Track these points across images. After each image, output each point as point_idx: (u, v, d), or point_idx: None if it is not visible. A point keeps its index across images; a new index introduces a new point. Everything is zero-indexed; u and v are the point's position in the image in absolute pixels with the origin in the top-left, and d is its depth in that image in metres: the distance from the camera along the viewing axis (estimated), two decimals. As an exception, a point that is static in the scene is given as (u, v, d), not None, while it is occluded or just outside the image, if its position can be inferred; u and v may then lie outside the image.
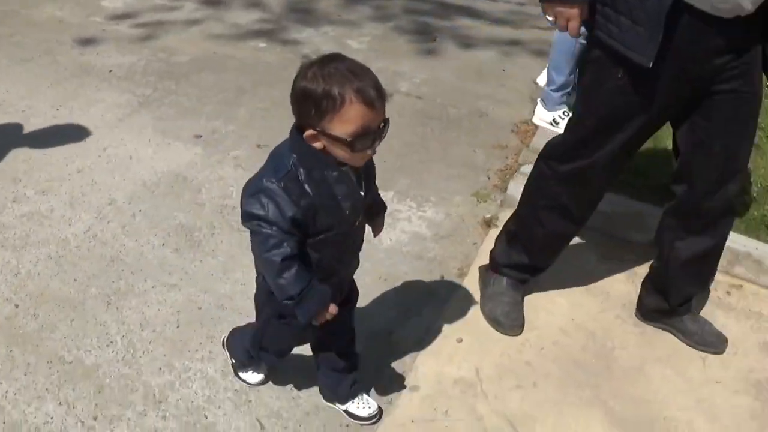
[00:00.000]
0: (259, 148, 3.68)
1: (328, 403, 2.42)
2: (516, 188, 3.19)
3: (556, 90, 3.95)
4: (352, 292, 2.28)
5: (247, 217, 1.86)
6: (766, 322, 2.91)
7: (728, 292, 3.03)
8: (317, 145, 1.82)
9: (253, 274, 2.13)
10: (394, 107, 4.07)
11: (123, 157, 3.62)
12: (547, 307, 2.86)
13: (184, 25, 5.17)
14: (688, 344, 2.76)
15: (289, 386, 2.47)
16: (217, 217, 3.24)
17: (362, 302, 2.44)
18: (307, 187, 1.84)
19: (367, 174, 2.00)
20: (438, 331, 2.72)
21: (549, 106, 4.01)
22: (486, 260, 2.91)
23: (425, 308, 2.83)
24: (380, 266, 2.99)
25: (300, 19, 5.38)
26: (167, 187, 3.41)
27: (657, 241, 2.68)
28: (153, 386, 2.44)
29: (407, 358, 2.61)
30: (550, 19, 2.31)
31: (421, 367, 2.57)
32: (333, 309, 1.94)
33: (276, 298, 1.95)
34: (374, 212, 2.18)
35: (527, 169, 2.86)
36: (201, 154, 3.68)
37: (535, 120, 4.08)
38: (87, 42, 4.82)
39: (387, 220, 2.28)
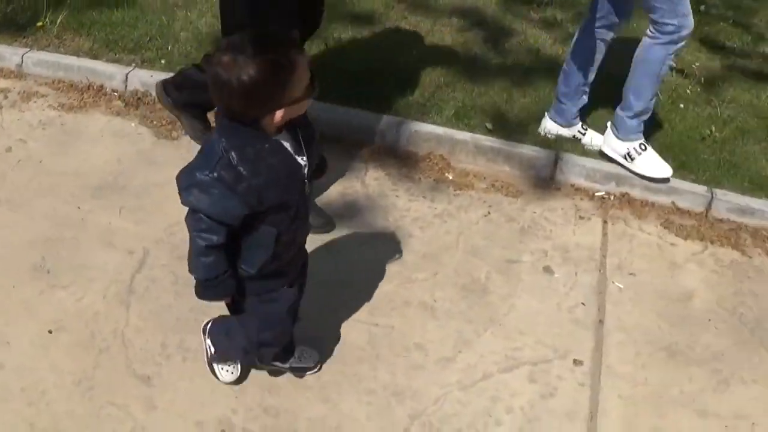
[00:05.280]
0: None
1: (271, 366, 2.41)
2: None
3: (633, 117, 3.33)
4: (305, 267, 2.30)
5: (185, 203, 1.88)
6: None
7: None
8: (278, 120, 1.80)
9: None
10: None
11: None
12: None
13: None
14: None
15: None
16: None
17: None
18: (241, 169, 1.79)
19: (306, 137, 1.95)
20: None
21: (623, 134, 3.38)
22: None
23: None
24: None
25: None
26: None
27: None
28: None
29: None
30: None
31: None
32: (227, 300, 2.12)
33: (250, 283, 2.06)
34: (318, 170, 2.14)
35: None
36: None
37: (605, 149, 3.46)
38: None
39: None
